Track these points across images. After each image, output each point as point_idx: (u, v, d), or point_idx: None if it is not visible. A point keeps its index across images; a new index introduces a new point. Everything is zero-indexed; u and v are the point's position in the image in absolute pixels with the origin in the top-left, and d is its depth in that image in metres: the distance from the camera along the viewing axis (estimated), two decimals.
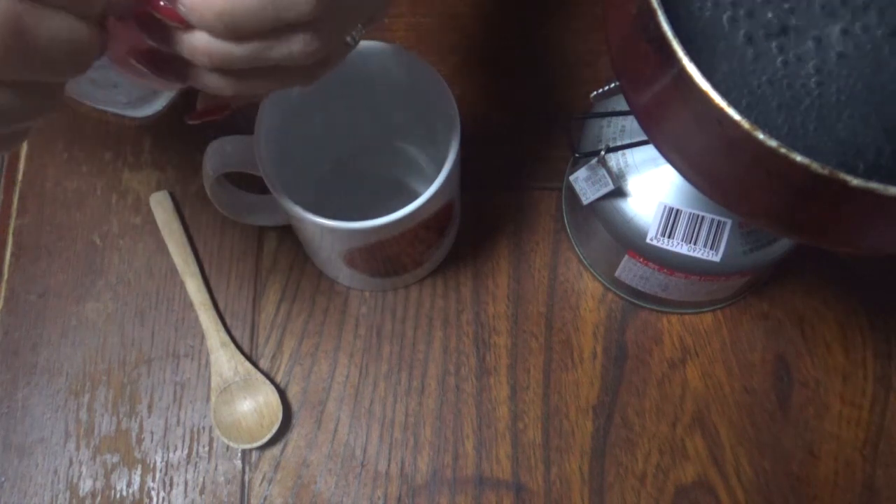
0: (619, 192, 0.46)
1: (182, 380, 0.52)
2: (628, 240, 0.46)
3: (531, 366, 0.52)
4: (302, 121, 0.48)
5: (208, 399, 0.51)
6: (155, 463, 0.51)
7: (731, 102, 0.28)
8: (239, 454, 0.51)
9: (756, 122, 0.29)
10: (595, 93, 0.47)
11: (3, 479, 0.51)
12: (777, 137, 0.28)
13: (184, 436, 0.51)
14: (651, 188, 0.45)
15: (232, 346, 0.52)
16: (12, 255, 0.55)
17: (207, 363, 0.52)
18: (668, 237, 0.45)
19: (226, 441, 0.50)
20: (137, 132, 0.58)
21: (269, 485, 0.50)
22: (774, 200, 0.32)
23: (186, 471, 0.51)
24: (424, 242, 0.49)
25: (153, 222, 0.55)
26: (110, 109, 0.58)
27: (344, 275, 0.52)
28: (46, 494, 0.50)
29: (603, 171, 0.45)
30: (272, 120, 0.45)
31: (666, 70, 0.30)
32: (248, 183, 0.56)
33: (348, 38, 0.33)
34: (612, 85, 0.45)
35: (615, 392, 0.51)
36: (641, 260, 0.47)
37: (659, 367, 0.52)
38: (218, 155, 0.45)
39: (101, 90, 0.54)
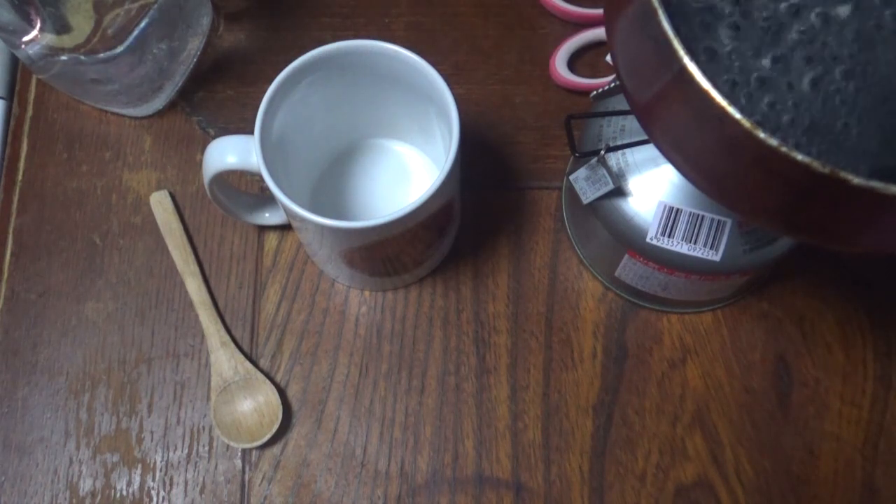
0: (619, 192, 0.46)
1: (182, 379, 0.52)
2: (628, 239, 0.46)
3: (531, 365, 0.52)
4: (301, 121, 0.48)
5: (208, 398, 0.51)
6: (155, 462, 0.51)
7: (731, 101, 0.28)
8: (239, 453, 0.51)
9: (756, 121, 0.29)
10: (595, 92, 0.47)
11: (3, 478, 0.51)
12: (777, 137, 0.28)
13: (184, 435, 0.51)
14: (651, 187, 0.45)
15: (232, 345, 0.52)
16: (12, 254, 0.55)
17: (207, 363, 0.52)
18: (668, 237, 0.45)
19: (226, 440, 0.50)
20: (137, 132, 0.58)
21: (269, 484, 0.50)
22: (775, 199, 0.32)
23: (186, 470, 0.51)
24: (424, 242, 0.49)
25: (153, 222, 0.55)
26: (110, 109, 0.58)
27: (344, 274, 0.52)
28: (46, 494, 0.50)
29: (603, 171, 0.45)
30: (272, 120, 0.45)
31: (666, 69, 0.30)
32: (248, 183, 0.57)
33: None
34: (612, 84, 0.45)
35: (615, 391, 0.51)
36: (641, 259, 0.47)
37: (659, 367, 0.52)
38: (218, 155, 0.45)
39: (101, 90, 0.54)
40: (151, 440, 0.51)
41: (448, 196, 0.46)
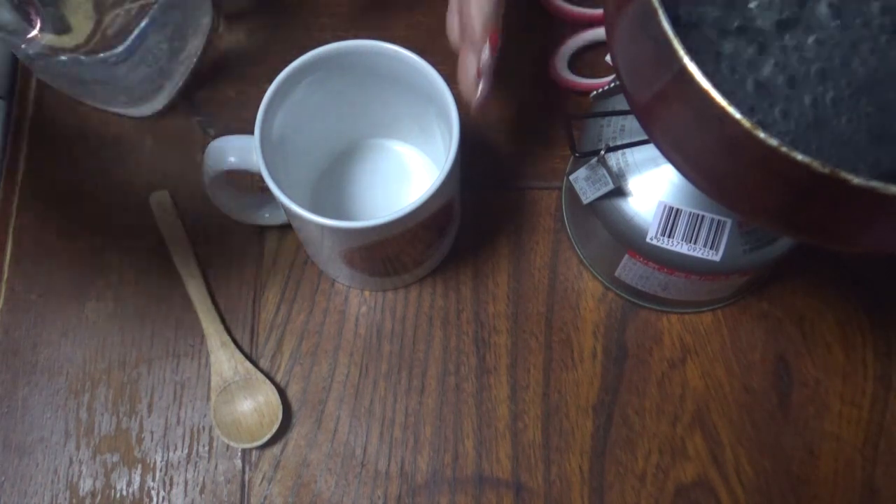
0: (619, 192, 0.46)
1: (182, 379, 0.52)
2: (628, 239, 0.46)
3: (531, 365, 0.52)
4: (302, 120, 0.48)
5: (208, 398, 0.51)
6: (155, 462, 0.51)
7: (732, 101, 0.28)
8: (239, 453, 0.51)
9: (756, 121, 0.29)
10: (595, 92, 0.47)
11: (3, 478, 0.51)
12: (778, 136, 0.28)
13: (184, 435, 0.51)
14: (651, 187, 0.45)
15: (232, 345, 0.52)
16: (12, 254, 0.55)
17: (207, 363, 0.52)
18: (668, 237, 0.45)
19: (226, 440, 0.50)
20: (137, 132, 0.58)
21: (270, 484, 0.50)
22: (775, 199, 0.32)
23: (186, 470, 0.51)
24: (424, 242, 0.49)
25: (153, 222, 0.55)
26: (110, 109, 0.58)
27: (344, 274, 0.52)
28: (46, 494, 0.50)
29: (603, 171, 0.45)
30: (272, 120, 0.45)
31: (666, 69, 0.30)
32: (248, 183, 0.57)
33: None
34: (612, 84, 0.45)
35: (615, 391, 0.51)
36: (641, 259, 0.47)
37: (659, 367, 0.52)
38: (218, 155, 0.45)
39: (101, 90, 0.54)
40: (151, 440, 0.51)
41: (448, 196, 0.46)
